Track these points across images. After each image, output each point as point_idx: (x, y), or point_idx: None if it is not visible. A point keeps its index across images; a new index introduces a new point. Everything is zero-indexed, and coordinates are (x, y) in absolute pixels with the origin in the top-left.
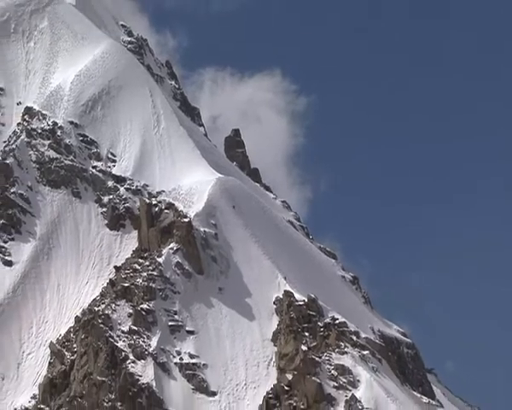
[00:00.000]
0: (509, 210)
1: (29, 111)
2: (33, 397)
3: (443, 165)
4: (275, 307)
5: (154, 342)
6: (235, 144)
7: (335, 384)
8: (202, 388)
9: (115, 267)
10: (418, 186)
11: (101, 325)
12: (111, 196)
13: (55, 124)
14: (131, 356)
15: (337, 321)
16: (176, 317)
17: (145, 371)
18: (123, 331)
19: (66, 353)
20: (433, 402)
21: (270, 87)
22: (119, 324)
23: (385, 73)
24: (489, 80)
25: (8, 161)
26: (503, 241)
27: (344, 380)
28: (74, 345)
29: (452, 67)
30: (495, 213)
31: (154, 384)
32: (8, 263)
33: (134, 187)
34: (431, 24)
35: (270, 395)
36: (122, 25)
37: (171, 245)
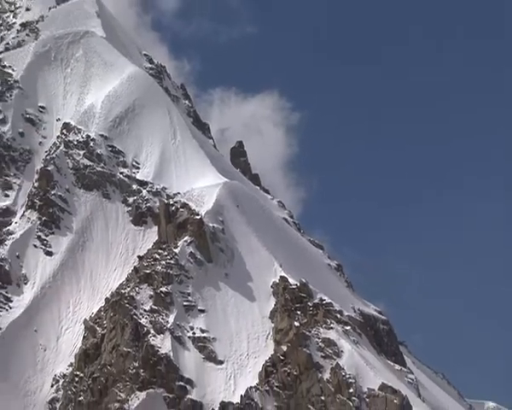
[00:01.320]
0: (473, 205)
1: (66, 126)
2: (70, 365)
3: (420, 168)
4: (272, 289)
5: (171, 319)
6: (239, 154)
7: (322, 354)
8: (211, 357)
9: (138, 257)
10: (395, 188)
11: (127, 305)
12: (135, 198)
13: (88, 137)
14: (152, 331)
15: (324, 302)
16: (189, 298)
17: (163, 344)
18: (145, 310)
19: (98, 328)
20: (405, 369)
21: (269, 105)
22: (142, 304)
23: (367, 95)
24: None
25: (49, 168)
26: (471, 234)
27: (330, 351)
28: (104, 322)
29: (423, 80)
30: (464, 211)
31: (171, 354)
32: (49, 253)
33: (154, 190)
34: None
35: (268, 364)
36: (145, 54)
37: (186, 238)
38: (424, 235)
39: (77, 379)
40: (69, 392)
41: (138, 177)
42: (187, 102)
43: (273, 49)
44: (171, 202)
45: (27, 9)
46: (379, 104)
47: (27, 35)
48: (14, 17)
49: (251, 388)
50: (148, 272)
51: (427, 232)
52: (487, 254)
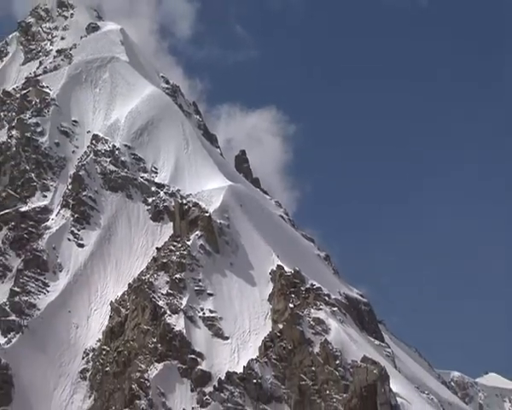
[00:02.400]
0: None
1: (95, 137)
2: (98, 341)
3: (396, 174)
4: (270, 276)
5: (184, 301)
6: (242, 161)
7: (313, 331)
8: (218, 334)
9: (157, 248)
10: (377, 190)
11: (147, 290)
12: (154, 198)
13: (114, 146)
14: (168, 311)
15: (314, 286)
16: (200, 283)
17: (178, 322)
18: (162, 294)
19: (122, 309)
20: (383, 344)
21: (268, 118)
22: (160, 288)
23: (354, 109)
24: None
25: (80, 173)
26: (437, 230)
27: (319, 328)
28: (127, 303)
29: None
30: (431, 211)
31: (184, 331)
32: (81, 245)
33: (170, 191)
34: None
35: (267, 340)
36: (162, 76)
37: (197, 232)
38: (399, 230)
39: (104, 352)
40: (97, 363)
41: (156, 180)
42: (198, 116)
43: (272, 70)
44: (184, 202)
45: (62, 38)
46: (363, 117)
47: (62, 60)
48: (51, 45)
49: (252, 360)
50: (164, 261)
51: (403, 228)
52: (452, 247)
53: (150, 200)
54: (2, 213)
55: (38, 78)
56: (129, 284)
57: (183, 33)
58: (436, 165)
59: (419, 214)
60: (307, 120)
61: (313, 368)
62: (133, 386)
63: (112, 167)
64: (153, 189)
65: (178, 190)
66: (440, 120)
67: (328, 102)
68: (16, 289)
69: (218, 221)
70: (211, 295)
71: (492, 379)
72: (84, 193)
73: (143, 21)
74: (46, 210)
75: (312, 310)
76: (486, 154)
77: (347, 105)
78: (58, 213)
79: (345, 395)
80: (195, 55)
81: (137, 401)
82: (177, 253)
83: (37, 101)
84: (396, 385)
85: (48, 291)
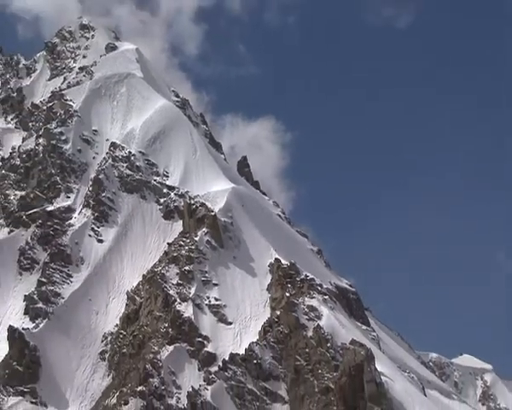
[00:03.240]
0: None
1: (113, 145)
2: (116, 326)
3: (383, 177)
4: (269, 268)
5: (192, 290)
6: (243, 165)
7: (307, 317)
8: (223, 319)
9: (168, 244)
10: (365, 190)
11: (159, 280)
12: (165, 199)
13: (129, 153)
14: (178, 300)
15: (308, 277)
16: (206, 275)
17: (187, 309)
18: (173, 284)
19: (137, 298)
20: (369, 328)
21: (267, 127)
22: (171, 279)
23: (344, 120)
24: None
25: (100, 176)
26: (424, 226)
27: (312, 315)
28: (142, 293)
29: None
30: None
31: (193, 317)
32: (100, 241)
33: (180, 193)
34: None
35: (266, 325)
36: (172, 90)
37: (203, 229)
38: (384, 228)
39: (121, 336)
40: (115, 346)
41: (168, 183)
42: (204, 126)
43: (270, 84)
44: (192, 202)
45: (84, 57)
46: (352, 127)
47: (84, 76)
48: (74, 62)
49: (253, 343)
50: (175, 255)
51: (387, 227)
52: (430, 242)
53: (162, 200)
54: (31, 212)
55: (63, 92)
56: (143, 275)
57: (192, 52)
58: (419, 169)
59: (402, 214)
60: (302, 129)
61: (307, 350)
62: (147, 366)
63: (128, 171)
64: (164, 190)
65: (187, 192)
66: (428, 128)
67: (321, 113)
68: (43, 279)
69: (223, 219)
70: (216, 285)
71: (466, 360)
72: (103, 194)
73: (156, 41)
74: (69, 210)
75: (306, 298)
76: (468, 159)
77: (338, 116)
78: (80, 212)
79: (335, 374)
80: (202, 72)
81: (151, 380)
82: (186, 247)
83: (62, 112)
84: (380, 365)
85: (71, 282)
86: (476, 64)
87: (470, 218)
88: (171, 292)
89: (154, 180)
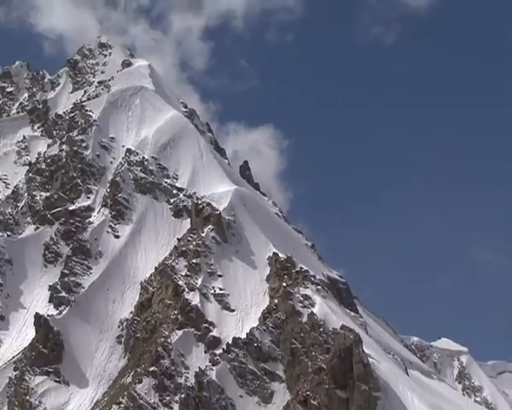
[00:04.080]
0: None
1: (129, 151)
2: (131, 313)
3: (371, 178)
4: (268, 261)
5: (199, 281)
6: (245, 169)
7: (302, 305)
8: (226, 307)
9: (177, 239)
10: (354, 191)
11: (170, 272)
12: (175, 199)
13: (143, 158)
14: (187, 289)
15: (303, 269)
16: (212, 267)
17: (194, 298)
18: (182, 275)
19: (150, 287)
20: (357, 315)
21: (267, 134)
22: (180, 271)
23: (336, 129)
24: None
25: (117, 179)
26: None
27: (307, 302)
28: (154, 283)
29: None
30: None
31: (199, 305)
32: (117, 237)
33: (188, 194)
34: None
35: (265, 312)
36: (181, 101)
37: (209, 226)
38: (372, 225)
39: (135, 322)
40: (130, 331)
41: (177, 185)
42: (210, 134)
43: (270, 96)
44: (199, 202)
45: (102, 72)
46: (343, 133)
47: (102, 89)
48: (93, 77)
49: (253, 328)
50: (183, 249)
51: (374, 223)
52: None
53: (172, 200)
54: (55, 211)
55: (83, 103)
56: (155, 267)
57: (199, 67)
58: (403, 170)
59: (387, 212)
60: (298, 136)
61: (302, 334)
62: (158, 349)
63: (142, 175)
64: (174, 192)
65: (194, 193)
66: (412, 131)
67: (315, 122)
68: (66, 271)
69: (226, 217)
70: (220, 276)
71: (444, 343)
72: (119, 195)
73: (167, 57)
74: (89, 209)
75: (301, 288)
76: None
77: (331, 125)
78: (99, 211)
79: (327, 356)
80: (209, 85)
81: (162, 361)
82: (194, 243)
83: (83, 122)
84: (367, 348)
85: (91, 273)
86: (463, 64)
87: (447, 215)
88: (180, 282)
89: (165, 182)
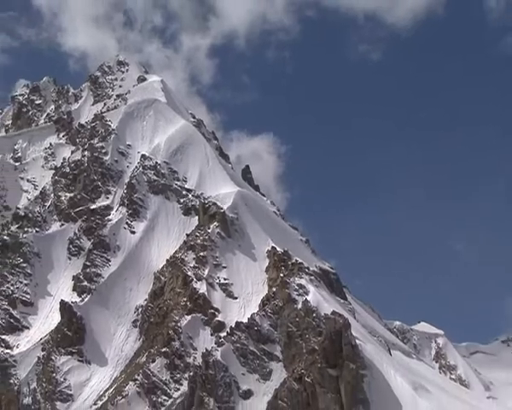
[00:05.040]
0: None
1: (143, 156)
2: (145, 300)
3: (360, 179)
4: (267, 254)
5: (206, 271)
6: (247, 172)
7: (297, 293)
8: (230, 295)
9: (186, 234)
10: (346, 191)
11: (179, 264)
12: (184, 199)
13: (156, 163)
14: (195, 279)
15: (298, 262)
16: (217, 259)
17: (201, 287)
18: (190, 266)
19: (162, 277)
20: (346, 302)
21: (266, 141)
22: (189, 263)
23: (327, 136)
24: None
25: (133, 181)
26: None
27: (301, 291)
28: (166, 273)
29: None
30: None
31: (206, 293)
32: (133, 232)
33: (196, 194)
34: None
35: (265, 299)
36: (190, 113)
37: (215, 223)
38: (358, 223)
39: (149, 308)
40: (145, 316)
41: (186, 186)
42: (215, 141)
43: (269, 107)
44: (206, 202)
45: (120, 86)
46: (335, 140)
47: (120, 102)
48: (112, 91)
49: (254, 313)
50: (192, 243)
51: (360, 220)
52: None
53: (182, 200)
54: (77, 209)
55: (103, 114)
56: (167, 259)
57: (206, 81)
58: (388, 174)
59: (372, 212)
60: (295, 143)
61: (297, 319)
62: (170, 332)
63: (155, 177)
64: (184, 193)
65: (202, 194)
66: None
67: (310, 130)
68: (87, 263)
69: (230, 215)
70: (225, 267)
71: (423, 327)
72: (135, 195)
73: (178, 73)
74: (108, 208)
75: (296, 278)
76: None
77: (324, 133)
78: (117, 209)
79: (319, 338)
80: (215, 97)
81: (173, 342)
82: (201, 238)
83: (103, 131)
84: (355, 331)
85: (109, 265)
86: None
87: (429, 214)
88: (189, 273)
89: (176, 184)
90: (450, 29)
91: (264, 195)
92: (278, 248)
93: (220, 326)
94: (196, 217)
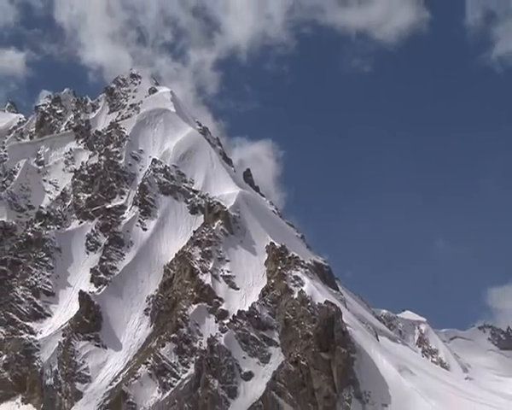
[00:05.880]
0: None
1: (154, 160)
2: (156, 290)
3: (351, 181)
4: (266, 249)
5: (211, 264)
6: (248, 175)
7: (293, 284)
8: (233, 286)
9: (193, 231)
10: (338, 191)
11: (187, 257)
12: (191, 199)
13: (166, 166)
14: (201, 271)
15: (294, 256)
16: (221, 253)
17: (207, 278)
18: (197, 260)
19: (171, 270)
20: (338, 292)
21: (266, 146)
22: (195, 256)
23: (321, 143)
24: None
25: (145, 183)
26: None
27: (297, 282)
28: (174, 266)
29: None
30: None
31: (211, 284)
32: (145, 229)
33: (202, 195)
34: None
35: (264, 290)
36: (196, 121)
37: (219, 221)
38: (349, 220)
39: (159, 298)
40: (155, 305)
41: (193, 188)
42: (220, 147)
43: (268, 115)
44: (211, 202)
45: (133, 97)
46: (329, 147)
47: (133, 111)
48: (126, 101)
49: (254, 302)
50: (198, 239)
51: (351, 218)
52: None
53: (189, 200)
54: (95, 208)
55: (118, 122)
56: (175, 254)
57: (211, 92)
58: (378, 176)
59: (366, 211)
60: (291, 148)
61: (293, 308)
62: (178, 319)
63: (164, 179)
64: (191, 193)
65: (207, 194)
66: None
67: (305, 136)
68: (103, 257)
69: (233, 214)
70: (228, 261)
71: (407, 314)
72: (146, 196)
73: (186, 84)
74: (122, 207)
75: (293, 271)
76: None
77: (319, 140)
78: (130, 208)
79: (313, 325)
80: (219, 106)
81: (181, 329)
82: (206, 234)
83: (117, 137)
84: (346, 318)
85: (123, 259)
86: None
87: (415, 213)
88: (195, 266)
89: (183, 186)
90: (433, 44)
91: (263, 195)
92: (276, 244)
93: (224, 314)
94: (202, 215)
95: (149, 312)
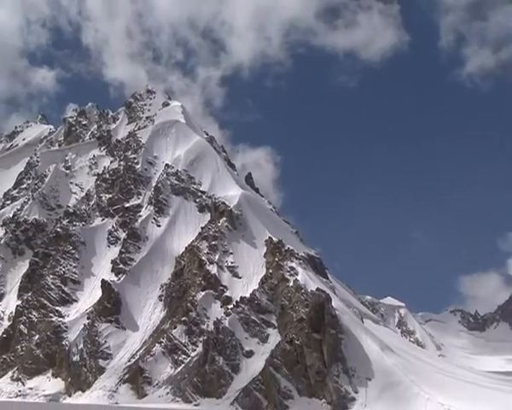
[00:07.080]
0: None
1: (167, 165)
2: (168, 279)
3: (345, 181)
4: (265, 243)
5: (216, 257)
6: (249, 178)
7: (289, 274)
8: (236, 275)
9: (201, 227)
10: (331, 191)
11: (195, 250)
12: (199, 199)
13: (177, 170)
14: (208, 262)
15: (290, 249)
16: (225, 247)
17: (213, 269)
18: (204, 252)
19: (182, 261)
20: (328, 281)
21: (265, 153)
22: (203, 249)
23: (317, 148)
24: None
25: (159, 185)
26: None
27: (292, 272)
28: (185, 258)
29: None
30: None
31: (217, 274)
32: (158, 226)
33: (209, 195)
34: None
35: (263, 278)
36: (204, 130)
37: (224, 218)
38: (339, 217)
39: (172, 286)
40: (168, 292)
41: (201, 189)
42: (224, 153)
43: (267, 124)
44: (216, 201)
45: (148, 110)
46: (324, 151)
47: (148, 122)
48: (142, 113)
49: (255, 290)
50: (205, 234)
51: (342, 215)
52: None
53: (197, 200)
54: (115, 207)
55: (135, 132)
56: (185, 247)
57: (218, 104)
58: (364, 177)
59: (353, 208)
60: (288, 154)
61: (289, 294)
62: (188, 304)
63: (176, 182)
64: (199, 194)
65: (213, 195)
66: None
67: (301, 143)
68: (123, 250)
69: (236, 212)
70: (231, 253)
71: (388, 300)
72: (160, 196)
73: (195, 98)
74: (139, 206)
75: (288, 262)
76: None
77: (313, 146)
78: (146, 207)
79: (306, 309)
80: (224, 117)
81: (190, 313)
82: (213, 230)
83: (135, 145)
84: (335, 304)
85: (140, 251)
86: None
87: (390, 210)
88: (203, 258)
89: (193, 187)
90: (412, 63)
91: (262, 195)
92: (274, 238)
93: (228, 300)
94: (209, 213)
95: (163, 298)
